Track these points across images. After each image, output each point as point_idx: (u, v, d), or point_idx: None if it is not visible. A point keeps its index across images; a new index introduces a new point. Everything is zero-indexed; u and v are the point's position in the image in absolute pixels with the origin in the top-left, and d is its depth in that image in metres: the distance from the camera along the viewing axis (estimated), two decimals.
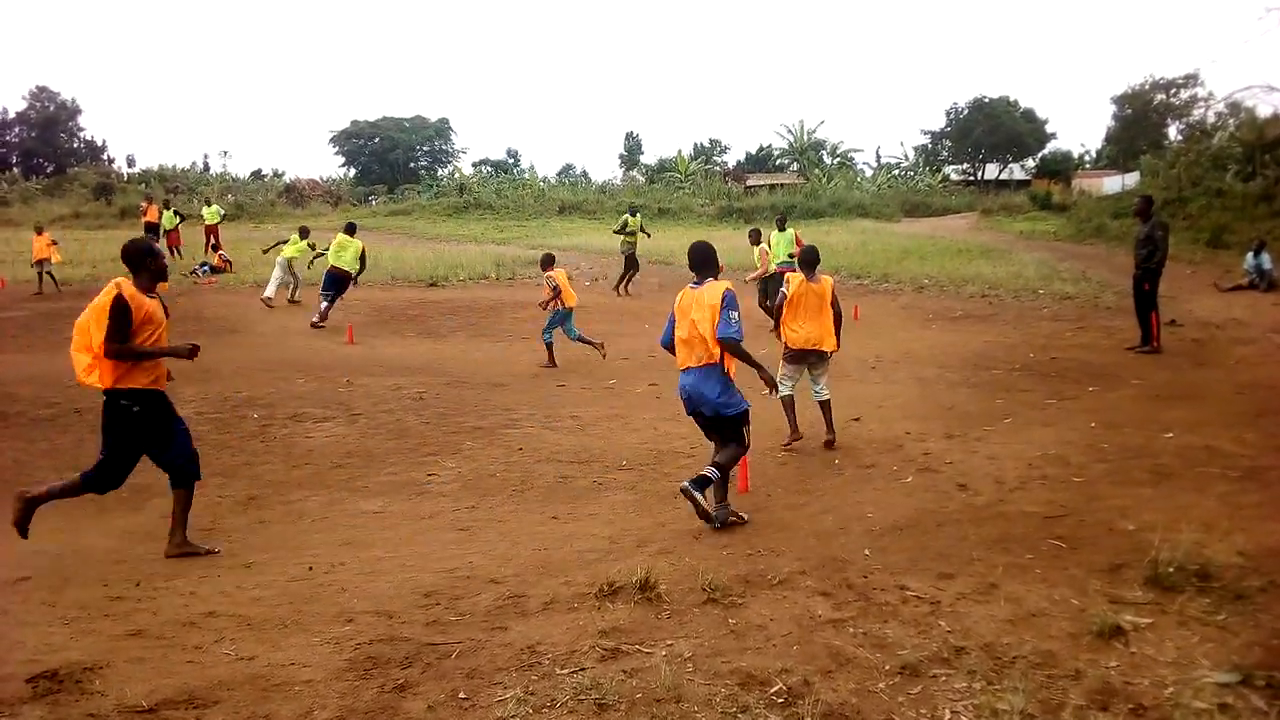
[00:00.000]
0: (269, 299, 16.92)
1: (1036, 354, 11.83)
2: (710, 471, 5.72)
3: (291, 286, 17.72)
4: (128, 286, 5.35)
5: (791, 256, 14.28)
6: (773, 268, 14.93)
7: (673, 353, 6.02)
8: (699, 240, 6.14)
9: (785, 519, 5.92)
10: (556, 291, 11.93)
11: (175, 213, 26.01)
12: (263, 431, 8.58)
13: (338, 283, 15.36)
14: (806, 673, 3.68)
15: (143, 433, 5.50)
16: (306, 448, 8.09)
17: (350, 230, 15.89)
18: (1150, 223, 11.90)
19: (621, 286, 19.74)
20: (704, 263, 5.90)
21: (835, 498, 6.36)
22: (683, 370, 5.91)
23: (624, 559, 5.13)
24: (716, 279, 5.88)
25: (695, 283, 5.90)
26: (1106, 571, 4.67)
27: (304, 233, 17.83)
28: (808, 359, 7.90)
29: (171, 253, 25.05)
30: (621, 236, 20.34)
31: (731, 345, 5.66)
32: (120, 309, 5.23)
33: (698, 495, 5.57)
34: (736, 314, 5.70)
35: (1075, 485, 6.31)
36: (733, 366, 5.84)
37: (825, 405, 7.88)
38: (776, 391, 6.25)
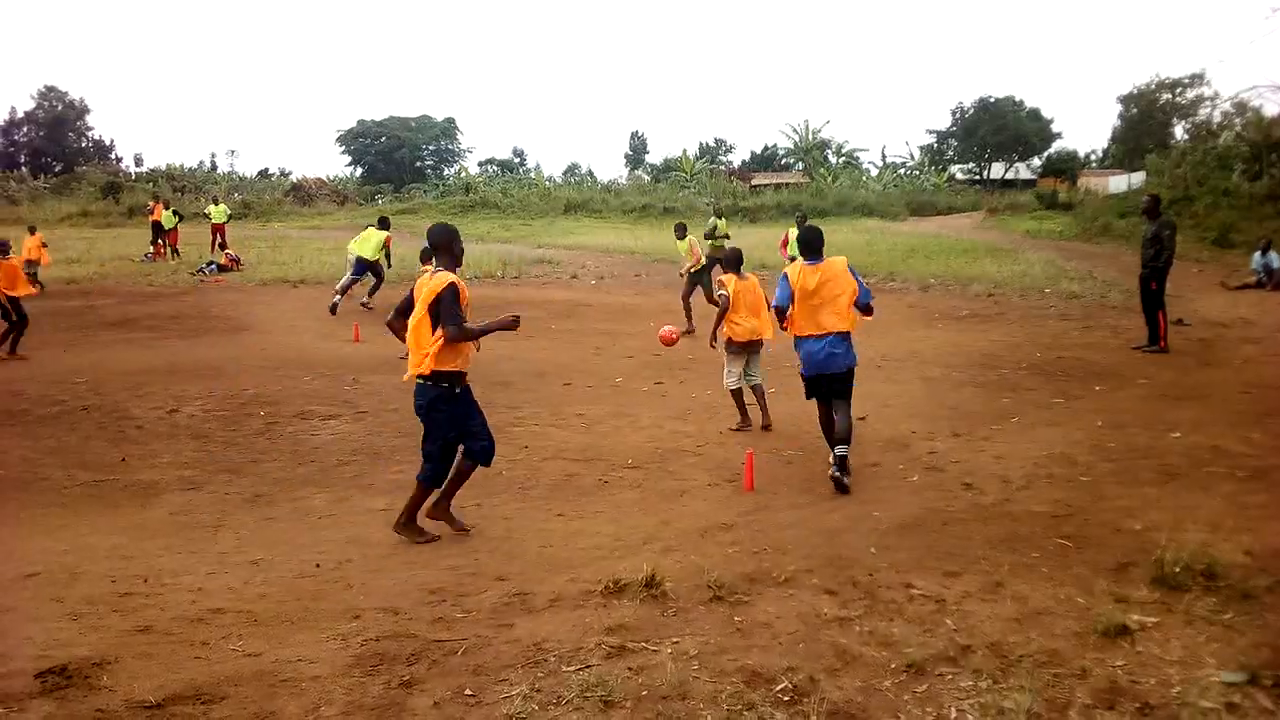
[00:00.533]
0: (367, 304, 16.78)
1: (1042, 353, 11.80)
2: (843, 449, 6.52)
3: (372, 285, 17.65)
4: (447, 273, 5.58)
5: None
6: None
7: (781, 318, 6.76)
8: (813, 226, 7.12)
9: (791, 517, 5.92)
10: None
11: (175, 213, 25.85)
12: (269, 429, 8.60)
13: (364, 269, 16.71)
14: (812, 670, 3.68)
15: (460, 413, 5.77)
16: (313, 445, 8.10)
17: (381, 224, 17.20)
18: (1158, 222, 11.87)
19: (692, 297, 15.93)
20: (820, 243, 6.77)
21: (840, 496, 6.35)
22: (812, 337, 6.60)
23: (629, 557, 5.13)
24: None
25: (811, 260, 6.68)
26: (1113, 571, 4.67)
27: (384, 223, 17.72)
28: (751, 349, 8.54)
29: (172, 253, 25.02)
30: (710, 242, 17.35)
31: (869, 309, 6.74)
32: (455, 292, 5.48)
33: (846, 479, 6.43)
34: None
35: (1081, 484, 6.30)
36: None
37: (760, 390, 8.57)
38: None
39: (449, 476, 5.90)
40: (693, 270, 14.88)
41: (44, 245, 19.33)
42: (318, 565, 5.32)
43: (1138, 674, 3.61)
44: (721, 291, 8.53)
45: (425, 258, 10.09)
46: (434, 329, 5.55)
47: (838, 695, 3.50)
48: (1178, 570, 4.44)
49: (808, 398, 6.88)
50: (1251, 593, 4.30)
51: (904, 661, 3.74)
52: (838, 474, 6.45)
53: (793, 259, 14.88)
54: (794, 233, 15.33)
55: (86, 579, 5.12)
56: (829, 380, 6.67)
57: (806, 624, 4.16)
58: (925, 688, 3.55)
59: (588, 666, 3.77)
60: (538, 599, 4.60)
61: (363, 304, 16.57)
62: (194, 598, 4.84)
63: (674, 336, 9.42)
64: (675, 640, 4.01)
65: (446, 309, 5.49)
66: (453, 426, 5.81)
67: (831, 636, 4.02)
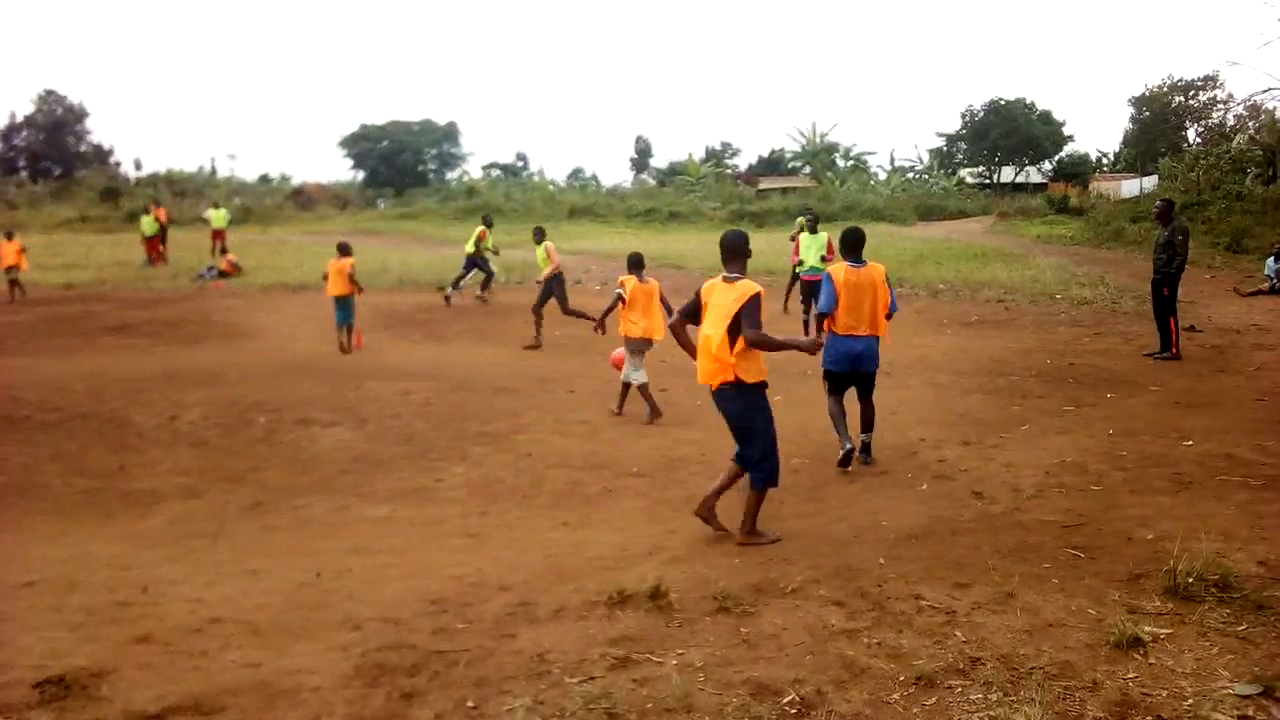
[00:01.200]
0: (482, 297, 17.97)
1: (1053, 360, 11.73)
2: (866, 436, 7.38)
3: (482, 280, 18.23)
4: (751, 281, 5.54)
5: (824, 260, 13.76)
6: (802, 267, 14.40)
7: (829, 319, 7.21)
8: (857, 226, 7.67)
9: (798, 527, 5.86)
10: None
11: (155, 219, 24.86)
12: (270, 436, 8.57)
13: (472, 265, 17.89)
14: (820, 683, 3.63)
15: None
16: (313, 452, 8.07)
17: (486, 222, 18.52)
18: (1171, 227, 11.71)
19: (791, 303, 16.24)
20: (861, 244, 7.29)
21: (848, 506, 6.30)
22: (852, 336, 7.16)
23: (635, 566, 5.09)
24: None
25: (855, 263, 7.18)
26: (1125, 581, 4.61)
27: (486, 220, 18.84)
28: (646, 346, 9.39)
29: (149, 261, 24.19)
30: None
31: (893, 315, 7.35)
32: (759, 301, 5.43)
33: (866, 459, 7.31)
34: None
35: (1093, 493, 6.24)
36: None
37: (645, 389, 9.31)
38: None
39: (720, 482, 5.76)
40: (549, 278, 14.31)
41: (22, 251, 19.27)
42: (318, 574, 5.27)
43: (1150, 686, 3.56)
44: (617, 289, 9.45)
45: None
46: (736, 336, 5.43)
47: (845, 708, 3.45)
48: (1191, 581, 4.39)
49: (832, 392, 7.34)
50: (1266, 603, 4.24)
51: (913, 674, 3.69)
52: (860, 454, 7.28)
53: (800, 263, 14.69)
54: (805, 238, 14.72)
55: (85, 588, 5.09)
56: (859, 378, 7.33)
57: (814, 635, 4.11)
58: (934, 700, 3.50)
59: (592, 678, 3.73)
60: (541, 609, 4.55)
61: (477, 297, 17.90)
62: (193, 607, 4.80)
63: (621, 360, 9.63)
64: (681, 652, 3.97)
65: (750, 314, 5.39)
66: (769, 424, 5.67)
67: (839, 648, 3.97)
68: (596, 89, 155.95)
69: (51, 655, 4.16)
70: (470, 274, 18.02)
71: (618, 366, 9.70)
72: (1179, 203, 27.57)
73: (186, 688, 3.79)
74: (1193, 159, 33.34)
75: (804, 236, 14.83)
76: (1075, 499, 6.11)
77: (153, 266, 24.14)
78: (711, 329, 5.53)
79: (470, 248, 17.88)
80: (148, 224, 24.55)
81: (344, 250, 13.94)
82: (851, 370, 7.28)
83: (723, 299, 5.51)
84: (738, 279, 5.57)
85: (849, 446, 7.12)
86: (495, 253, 18.50)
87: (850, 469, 7.16)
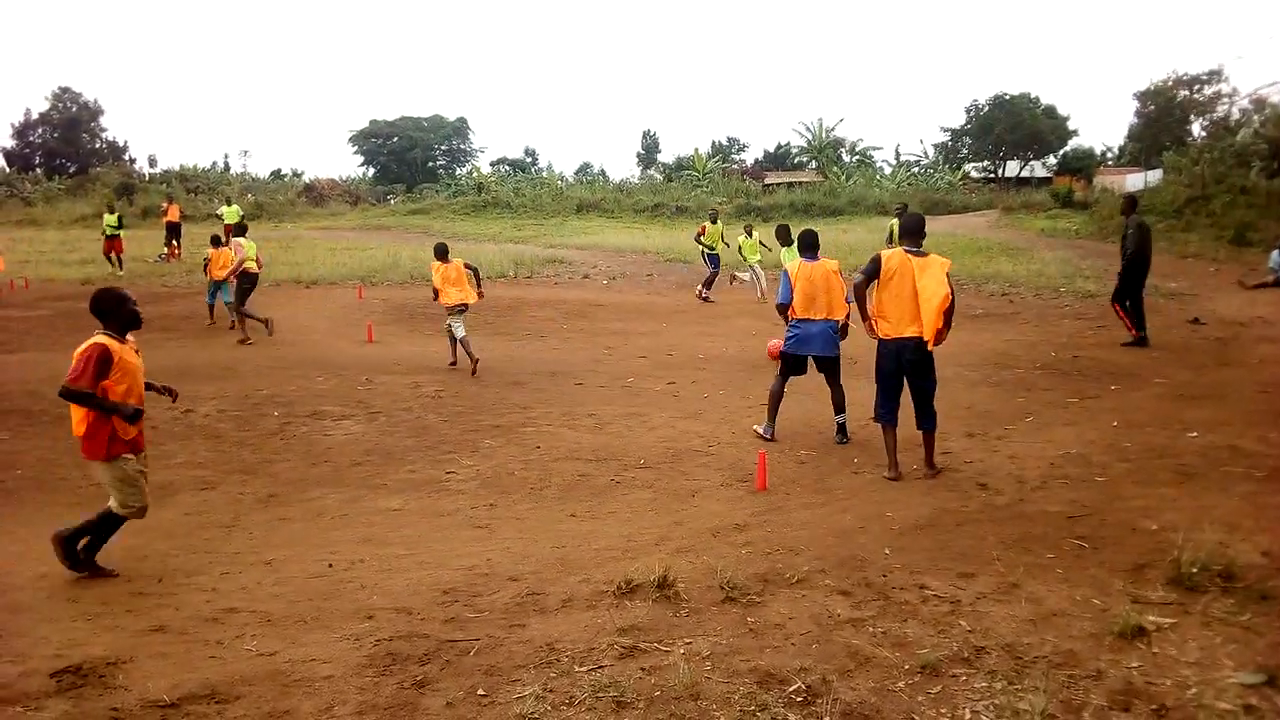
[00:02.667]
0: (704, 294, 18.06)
1: (1058, 352, 11.74)
2: (841, 418, 7.92)
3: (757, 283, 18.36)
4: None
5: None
6: None
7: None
8: (810, 229, 8.33)
9: (804, 518, 5.91)
10: None
11: (119, 218, 22.98)
12: (283, 429, 8.63)
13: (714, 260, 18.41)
14: (825, 672, 3.67)
15: None
16: (326, 445, 8.13)
17: (714, 218, 19.07)
18: (1130, 220, 12.52)
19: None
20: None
21: (854, 497, 6.34)
22: (808, 321, 7.83)
23: (642, 557, 5.13)
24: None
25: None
26: (1129, 571, 4.64)
27: (712, 215, 19.33)
28: (460, 311, 11.49)
29: (117, 263, 22.37)
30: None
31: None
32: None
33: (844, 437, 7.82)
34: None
35: (1097, 485, 6.27)
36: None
37: (465, 341, 11.33)
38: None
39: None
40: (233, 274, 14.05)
41: None
42: (330, 565, 5.33)
43: (1154, 676, 3.59)
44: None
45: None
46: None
47: (851, 696, 3.49)
48: (1195, 571, 4.42)
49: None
50: (1269, 593, 4.27)
51: (918, 663, 3.73)
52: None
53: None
54: (785, 252, 13.65)
55: (101, 579, 5.15)
56: (821, 362, 7.95)
57: (820, 625, 4.15)
58: (939, 689, 3.54)
59: (600, 667, 3.78)
60: (550, 599, 4.60)
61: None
62: (208, 598, 4.86)
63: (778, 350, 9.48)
64: (688, 641, 4.01)
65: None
66: None
67: (845, 637, 4.01)
68: (605, 84, 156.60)
69: (69, 645, 4.22)
70: (717, 270, 18.21)
71: (773, 356, 10.31)
72: (1183, 197, 27.71)
73: (202, 676, 3.85)
74: (1197, 152, 33.17)
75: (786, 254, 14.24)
76: (1079, 490, 6.15)
77: (168, 262, 24.22)
78: (934, 291, 6.42)
79: (708, 241, 18.38)
80: (109, 223, 22.66)
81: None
82: (809, 355, 7.92)
83: (929, 267, 6.52)
84: (924, 253, 6.63)
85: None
86: (728, 246, 18.93)
87: (854, 460, 7.19)
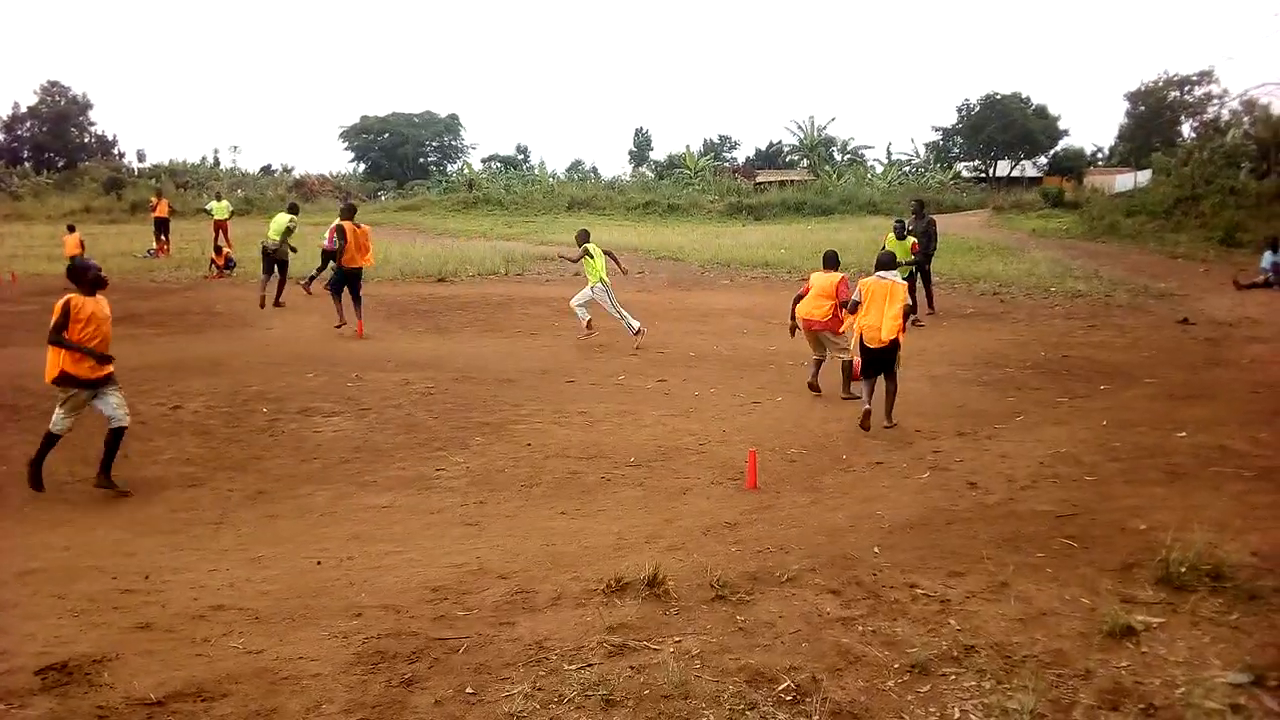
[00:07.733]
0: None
1: (1048, 352, 11.77)
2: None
3: None
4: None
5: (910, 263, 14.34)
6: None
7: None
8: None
9: (794, 516, 5.90)
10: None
11: (69, 227, 21.90)
12: (272, 426, 8.59)
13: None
14: (815, 670, 3.66)
15: None
16: (315, 442, 8.10)
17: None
18: (924, 220, 15.50)
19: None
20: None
21: (844, 495, 6.34)
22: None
23: (632, 555, 5.11)
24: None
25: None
26: (1118, 571, 4.64)
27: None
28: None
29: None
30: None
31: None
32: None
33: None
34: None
35: (1087, 484, 6.28)
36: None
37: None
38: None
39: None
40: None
41: None
42: (319, 562, 5.31)
43: (1143, 675, 3.59)
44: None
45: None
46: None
47: (840, 695, 3.48)
48: (1184, 570, 4.42)
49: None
50: (1258, 593, 4.27)
51: (908, 662, 3.72)
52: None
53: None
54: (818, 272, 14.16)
55: (88, 575, 5.12)
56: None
57: (809, 623, 4.14)
58: (929, 688, 3.53)
59: (589, 665, 3.76)
60: (540, 597, 4.59)
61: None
62: (195, 594, 4.83)
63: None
64: (677, 639, 4.00)
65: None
66: None
67: (835, 636, 4.00)
68: (597, 82, 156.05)
69: (54, 642, 4.18)
70: None
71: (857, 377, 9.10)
72: (1173, 197, 27.88)
73: (188, 674, 3.82)
74: (1187, 153, 33.29)
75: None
76: (1069, 489, 6.15)
77: (156, 257, 24.06)
78: (891, 308, 8.24)
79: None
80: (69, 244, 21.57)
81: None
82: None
83: (887, 291, 8.33)
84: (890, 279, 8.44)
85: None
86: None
87: (844, 458, 7.21)
